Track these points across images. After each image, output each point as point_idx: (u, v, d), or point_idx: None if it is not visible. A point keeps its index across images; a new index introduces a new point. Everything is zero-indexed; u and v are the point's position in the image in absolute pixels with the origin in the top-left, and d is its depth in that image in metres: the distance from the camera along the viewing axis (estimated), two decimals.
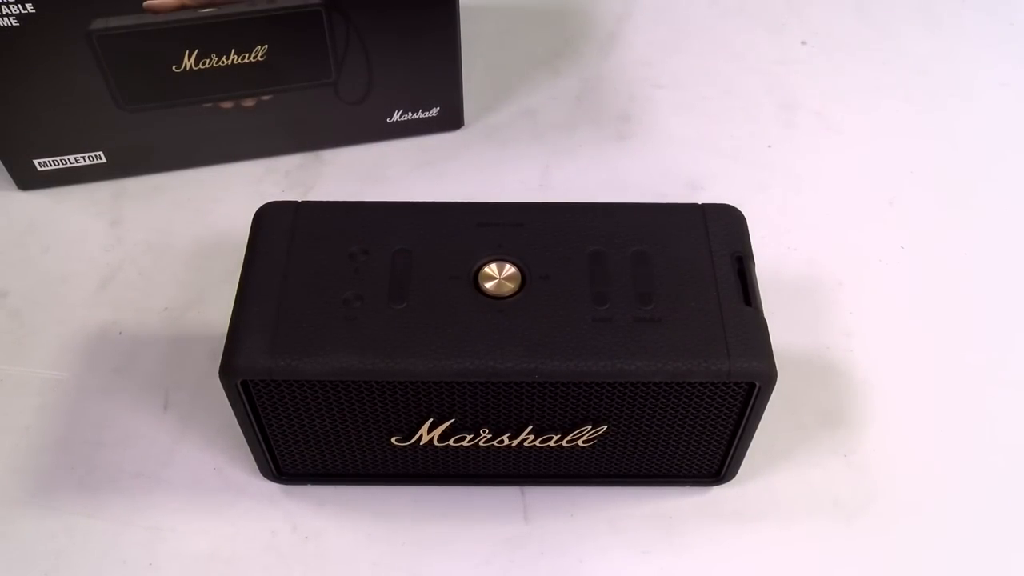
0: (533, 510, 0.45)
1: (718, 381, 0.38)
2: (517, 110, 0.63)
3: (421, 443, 0.42)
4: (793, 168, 0.60)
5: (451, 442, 0.42)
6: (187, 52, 0.53)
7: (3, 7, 0.48)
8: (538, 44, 0.68)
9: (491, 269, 0.40)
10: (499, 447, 0.42)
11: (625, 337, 0.38)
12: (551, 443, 0.42)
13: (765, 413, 0.40)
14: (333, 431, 0.41)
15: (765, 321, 0.39)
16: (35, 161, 0.56)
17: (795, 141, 0.62)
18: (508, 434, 0.41)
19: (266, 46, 0.54)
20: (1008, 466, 0.47)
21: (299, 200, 0.42)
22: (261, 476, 0.45)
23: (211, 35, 0.52)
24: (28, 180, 0.57)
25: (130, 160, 0.58)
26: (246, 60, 0.54)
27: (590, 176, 0.60)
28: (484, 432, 0.41)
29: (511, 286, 0.39)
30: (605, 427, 0.41)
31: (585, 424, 0.41)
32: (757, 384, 0.38)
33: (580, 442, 0.42)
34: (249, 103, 0.56)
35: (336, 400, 0.39)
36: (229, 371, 0.37)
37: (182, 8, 0.51)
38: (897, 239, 0.57)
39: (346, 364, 0.37)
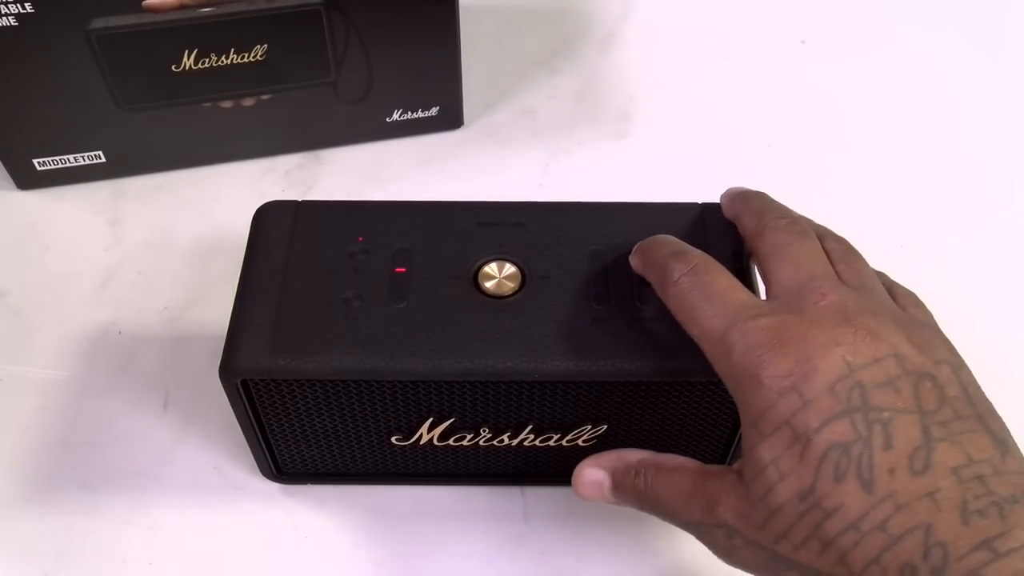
0: (533, 510, 0.45)
1: (718, 381, 0.38)
2: (517, 109, 0.63)
3: (421, 442, 0.42)
4: (793, 168, 0.60)
5: (451, 441, 0.42)
6: (186, 52, 0.53)
7: (2, 7, 0.48)
8: (538, 44, 0.68)
9: (491, 269, 0.40)
10: (499, 447, 0.42)
11: (625, 337, 0.38)
12: (551, 443, 0.42)
13: None
14: (333, 431, 0.41)
15: None
16: (34, 160, 0.56)
17: (795, 141, 0.62)
18: (508, 434, 0.41)
19: (266, 45, 0.54)
20: None
21: (299, 200, 0.42)
22: (261, 476, 0.45)
23: (210, 35, 0.52)
24: (28, 180, 0.57)
25: (130, 160, 0.58)
26: (246, 60, 0.54)
27: (590, 176, 0.60)
28: (484, 432, 0.41)
29: (511, 286, 0.39)
30: (605, 426, 0.41)
31: (585, 424, 0.41)
32: None
33: (580, 442, 0.42)
34: (249, 103, 0.56)
35: (336, 399, 0.39)
36: (229, 371, 0.37)
37: (182, 7, 0.51)
38: (897, 239, 0.56)
39: (346, 363, 0.37)
